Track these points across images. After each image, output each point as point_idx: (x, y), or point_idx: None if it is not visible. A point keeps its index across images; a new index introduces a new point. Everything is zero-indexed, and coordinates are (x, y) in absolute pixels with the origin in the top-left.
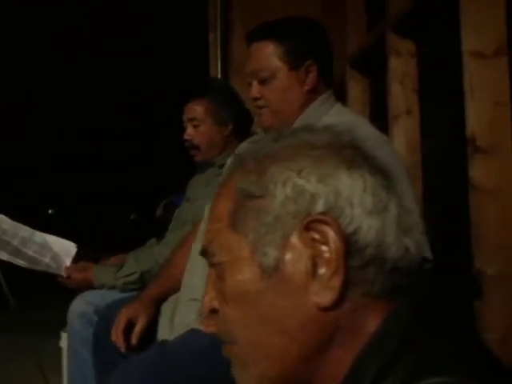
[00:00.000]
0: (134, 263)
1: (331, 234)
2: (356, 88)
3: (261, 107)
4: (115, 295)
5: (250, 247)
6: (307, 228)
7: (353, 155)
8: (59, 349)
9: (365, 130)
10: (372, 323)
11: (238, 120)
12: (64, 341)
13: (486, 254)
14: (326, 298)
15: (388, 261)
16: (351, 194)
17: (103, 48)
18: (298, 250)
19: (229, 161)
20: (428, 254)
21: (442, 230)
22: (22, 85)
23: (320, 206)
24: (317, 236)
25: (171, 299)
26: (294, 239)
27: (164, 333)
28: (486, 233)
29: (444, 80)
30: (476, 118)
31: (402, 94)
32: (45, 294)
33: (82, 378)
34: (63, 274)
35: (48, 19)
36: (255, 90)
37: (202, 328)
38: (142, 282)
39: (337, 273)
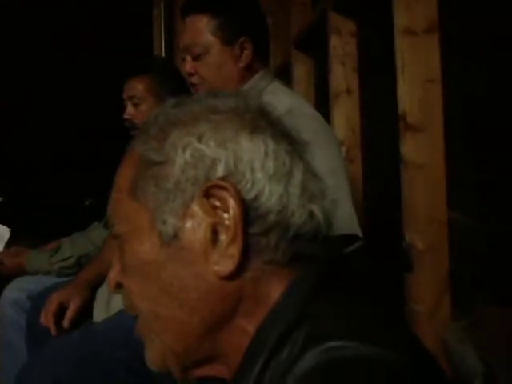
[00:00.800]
0: (70, 247)
1: (230, 199)
2: (301, 69)
3: (196, 84)
4: (50, 281)
5: (150, 216)
6: (207, 195)
7: (256, 120)
8: None
9: (288, 102)
10: (276, 291)
11: None
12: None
13: (416, 228)
14: (225, 266)
15: (291, 227)
16: (252, 159)
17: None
18: (199, 217)
19: None
20: (358, 231)
21: (380, 208)
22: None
23: (220, 171)
24: (217, 203)
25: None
26: (195, 207)
27: (99, 316)
28: (415, 208)
29: (383, 60)
30: (407, 95)
31: (342, 74)
32: None
33: (14, 365)
34: None
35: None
36: (189, 65)
37: None
38: (80, 267)
39: (235, 240)
